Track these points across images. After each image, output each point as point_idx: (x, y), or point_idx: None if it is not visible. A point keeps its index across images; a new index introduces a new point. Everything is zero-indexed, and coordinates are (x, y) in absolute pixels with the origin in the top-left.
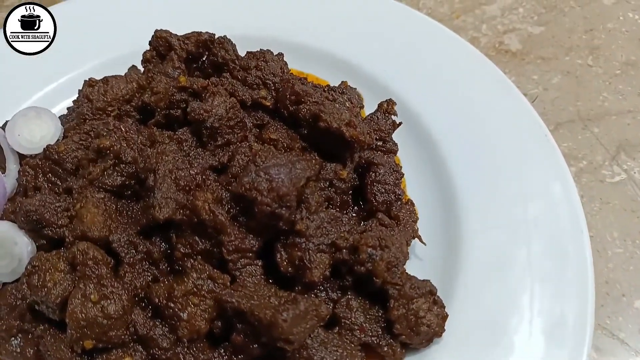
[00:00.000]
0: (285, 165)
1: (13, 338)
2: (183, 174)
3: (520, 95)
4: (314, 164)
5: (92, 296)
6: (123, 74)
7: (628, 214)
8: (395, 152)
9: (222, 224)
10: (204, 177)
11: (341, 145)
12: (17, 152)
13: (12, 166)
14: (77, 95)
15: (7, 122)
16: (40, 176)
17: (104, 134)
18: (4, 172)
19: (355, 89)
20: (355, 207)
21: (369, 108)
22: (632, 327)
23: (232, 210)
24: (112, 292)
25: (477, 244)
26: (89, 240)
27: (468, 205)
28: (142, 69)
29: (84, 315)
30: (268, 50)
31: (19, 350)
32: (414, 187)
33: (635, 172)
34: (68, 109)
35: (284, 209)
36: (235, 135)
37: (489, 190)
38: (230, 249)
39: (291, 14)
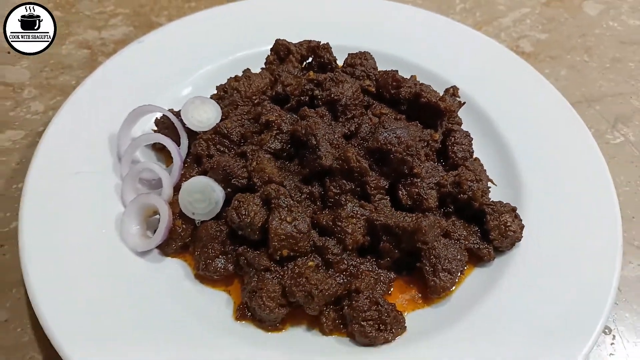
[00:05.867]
0: (404, 128)
1: (217, 259)
2: (331, 137)
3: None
4: (419, 128)
5: (287, 218)
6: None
7: (628, 164)
8: (460, 124)
9: (365, 169)
10: (341, 139)
11: (434, 115)
12: (187, 131)
13: (185, 141)
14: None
15: (170, 109)
16: (211, 146)
17: (265, 112)
18: (179, 146)
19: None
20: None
21: None
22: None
23: (366, 160)
24: (298, 215)
25: (535, 184)
26: (274, 183)
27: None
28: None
29: (283, 231)
30: (366, 52)
31: (222, 266)
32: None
33: (630, 136)
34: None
35: (409, 156)
36: (358, 111)
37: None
38: (372, 186)
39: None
